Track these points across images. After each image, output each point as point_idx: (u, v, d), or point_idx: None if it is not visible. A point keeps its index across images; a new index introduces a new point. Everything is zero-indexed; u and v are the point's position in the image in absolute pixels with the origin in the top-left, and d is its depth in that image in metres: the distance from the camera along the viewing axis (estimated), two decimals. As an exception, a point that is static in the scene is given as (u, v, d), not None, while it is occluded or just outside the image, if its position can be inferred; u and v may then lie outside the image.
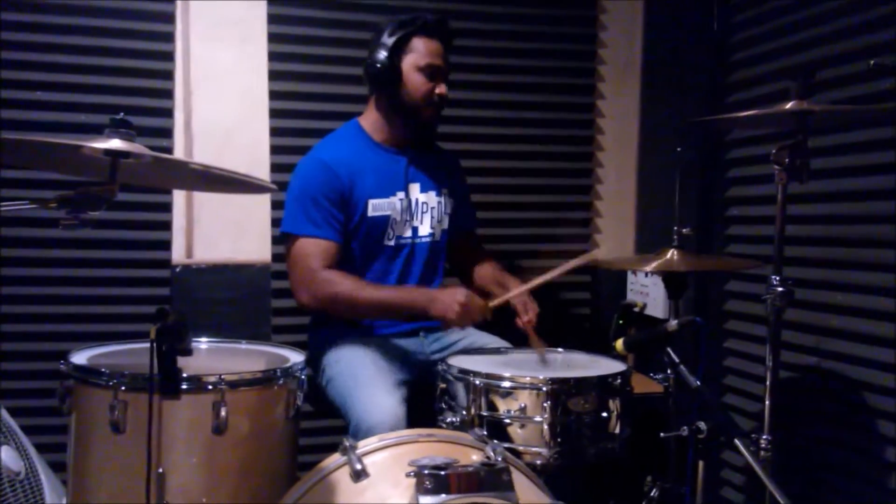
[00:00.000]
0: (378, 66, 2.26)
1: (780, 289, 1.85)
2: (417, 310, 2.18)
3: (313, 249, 2.21)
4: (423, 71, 2.27)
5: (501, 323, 2.28)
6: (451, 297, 2.13)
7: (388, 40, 2.26)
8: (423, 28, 2.28)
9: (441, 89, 2.29)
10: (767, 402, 1.90)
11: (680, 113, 2.95)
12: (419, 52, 2.27)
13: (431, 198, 2.39)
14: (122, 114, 1.43)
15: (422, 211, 2.37)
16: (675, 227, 2.16)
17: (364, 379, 2.11)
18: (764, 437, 1.86)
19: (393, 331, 2.35)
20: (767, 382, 1.90)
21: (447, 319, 2.13)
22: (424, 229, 2.38)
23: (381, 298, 2.21)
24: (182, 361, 1.43)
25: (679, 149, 2.22)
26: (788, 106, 1.81)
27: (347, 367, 2.18)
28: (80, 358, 1.86)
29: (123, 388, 1.70)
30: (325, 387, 2.22)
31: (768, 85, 2.60)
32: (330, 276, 2.20)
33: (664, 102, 3.05)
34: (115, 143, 1.39)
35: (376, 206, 2.29)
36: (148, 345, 1.39)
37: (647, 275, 2.85)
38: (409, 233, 2.35)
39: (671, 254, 2.14)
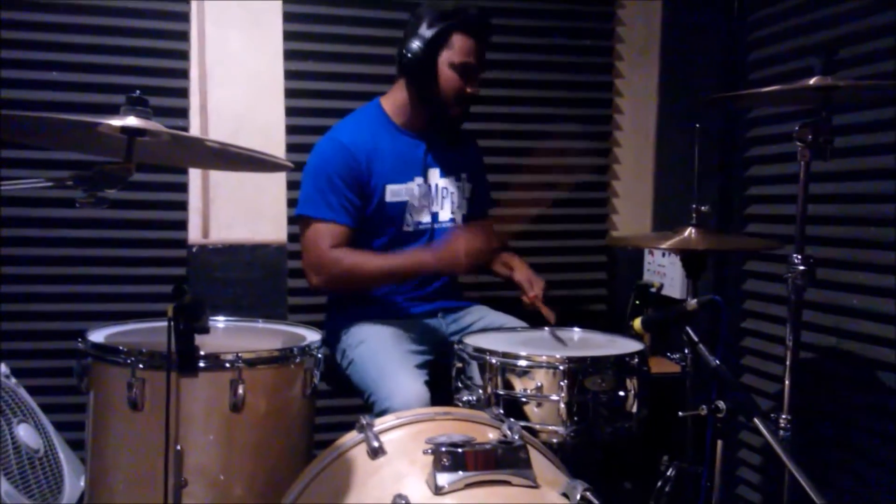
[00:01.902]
0: (412, 56, 2.22)
1: (801, 267, 1.83)
2: (426, 270, 2.19)
3: (325, 232, 2.20)
4: (458, 68, 2.23)
5: (517, 302, 2.29)
6: (453, 249, 2.13)
7: (427, 32, 2.21)
8: (463, 24, 2.23)
9: (472, 89, 2.26)
10: (787, 382, 1.88)
11: (698, 92, 2.92)
12: (456, 48, 2.22)
13: (451, 183, 2.38)
14: (138, 91, 1.42)
15: (442, 196, 2.36)
16: (694, 206, 2.13)
17: (387, 363, 2.11)
18: (783, 416, 1.85)
19: (411, 312, 2.35)
20: (787, 362, 1.88)
21: (458, 271, 2.14)
22: (445, 214, 2.37)
23: (388, 265, 2.21)
24: (199, 339, 1.43)
25: (697, 125, 2.18)
26: (812, 81, 1.78)
27: (369, 351, 2.18)
28: (98, 336, 1.87)
29: (141, 365, 1.70)
30: (346, 369, 2.22)
31: (788, 63, 2.56)
32: (336, 254, 2.20)
33: (682, 81, 3.02)
34: (132, 121, 1.38)
35: (394, 192, 2.28)
36: (165, 323, 1.39)
37: (664, 255, 2.83)
38: (427, 218, 2.34)
39: (689, 232, 2.12)
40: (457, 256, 2.12)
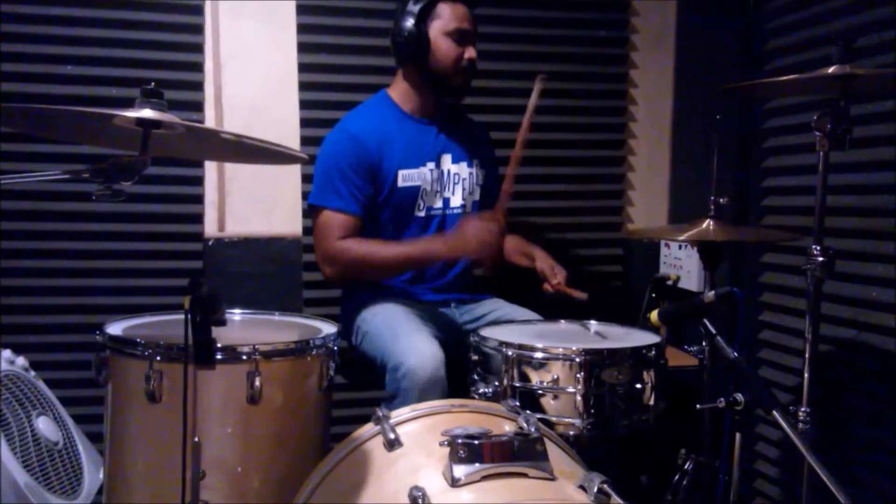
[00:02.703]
0: (405, 34, 2.23)
1: (820, 259, 1.81)
2: (436, 258, 2.20)
3: (335, 222, 2.21)
4: (452, 36, 2.25)
5: (532, 294, 2.28)
6: (464, 237, 2.13)
7: (414, 7, 2.24)
8: None
9: (470, 53, 2.27)
10: (806, 375, 1.86)
11: (714, 82, 2.89)
12: (446, 16, 2.25)
13: (463, 168, 2.37)
14: (153, 84, 1.43)
15: (453, 182, 2.36)
16: (712, 197, 2.11)
17: (401, 326, 2.12)
18: (802, 409, 1.83)
19: (424, 301, 2.34)
20: (806, 355, 1.86)
21: (469, 257, 2.14)
22: (456, 200, 2.37)
23: (399, 253, 2.21)
24: (216, 332, 1.43)
25: (718, 116, 2.17)
26: (831, 70, 1.76)
27: (383, 319, 2.19)
28: (116, 329, 1.87)
29: (159, 358, 1.71)
30: (360, 344, 2.22)
31: (805, 52, 2.54)
32: (346, 244, 2.20)
33: (698, 71, 2.99)
34: (147, 113, 1.38)
35: (406, 177, 2.28)
36: (182, 316, 1.39)
37: (680, 247, 2.81)
38: (439, 203, 2.34)
39: (707, 224, 2.10)
40: (467, 244, 2.12)
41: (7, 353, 2.31)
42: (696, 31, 3.00)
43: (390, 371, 2.00)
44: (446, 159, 2.36)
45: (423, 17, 2.24)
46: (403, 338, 2.05)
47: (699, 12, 2.98)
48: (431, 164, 2.33)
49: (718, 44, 2.92)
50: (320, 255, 2.26)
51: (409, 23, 2.23)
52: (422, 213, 2.32)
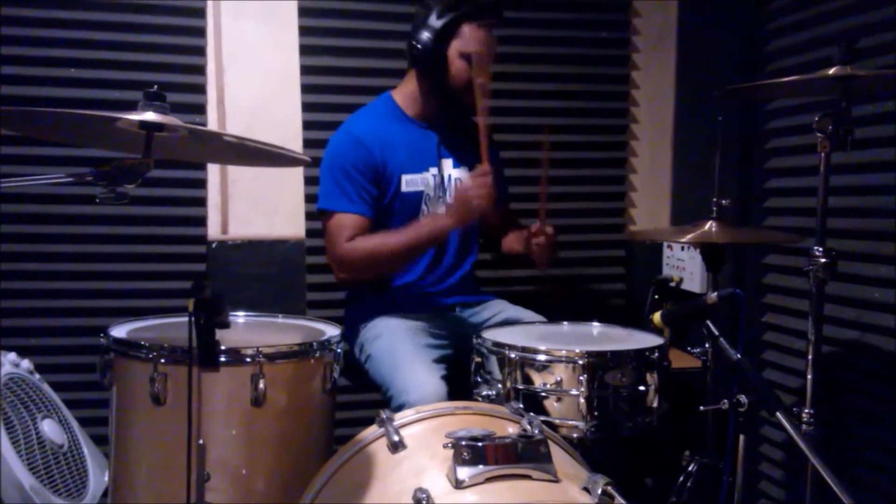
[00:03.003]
0: (422, 47, 2.21)
1: (823, 260, 1.81)
2: (445, 230, 2.19)
3: (347, 224, 2.21)
4: (468, 58, 2.22)
5: (535, 296, 2.28)
6: (465, 202, 2.13)
7: (436, 23, 2.20)
8: (473, 14, 2.22)
9: (484, 77, 2.25)
10: (809, 377, 1.86)
11: (716, 83, 2.89)
12: (466, 38, 2.21)
13: (465, 173, 2.37)
14: (155, 87, 1.43)
15: (455, 187, 2.36)
16: (714, 199, 2.11)
17: (403, 357, 2.11)
18: (806, 410, 1.83)
19: (428, 307, 2.35)
20: (810, 356, 1.86)
21: (474, 213, 2.13)
22: (458, 205, 2.36)
23: (408, 237, 2.19)
24: (220, 335, 1.43)
25: (719, 118, 2.17)
26: (832, 71, 1.76)
27: (385, 345, 2.18)
28: (120, 332, 1.88)
29: (163, 360, 1.71)
30: (364, 364, 2.23)
31: (807, 53, 2.54)
32: (353, 243, 2.20)
33: (700, 73, 3.00)
34: (150, 116, 1.39)
35: (409, 182, 2.28)
36: (186, 318, 1.40)
37: (683, 248, 2.82)
38: (443, 209, 2.34)
39: (710, 225, 2.10)
40: (468, 205, 2.11)
41: (12, 355, 2.32)
42: (697, 33, 3.00)
43: (393, 407, 2.00)
44: (447, 164, 2.36)
45: (444, 34, 2.20)
46: (405, 372, 2.05)
47: (700, 13, 2.98)
48: (434, 170, 2.33)
49: (720, 45, 2.92)
50: (332, 259, 2.25)
51: (428, 36, 2.20)
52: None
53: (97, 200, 1.43)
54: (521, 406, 1.72)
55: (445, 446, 1.45)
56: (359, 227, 2.21)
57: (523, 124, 2.93)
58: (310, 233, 2.77)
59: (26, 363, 2.35)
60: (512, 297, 2.49)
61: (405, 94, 2.35)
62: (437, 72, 2.24)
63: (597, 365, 1.83)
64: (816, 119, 1.78)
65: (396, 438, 1.54)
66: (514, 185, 2.63)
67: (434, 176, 2.32)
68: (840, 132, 1.78)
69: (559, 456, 1.54)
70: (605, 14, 2.99)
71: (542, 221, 2.26)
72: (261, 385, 1.72)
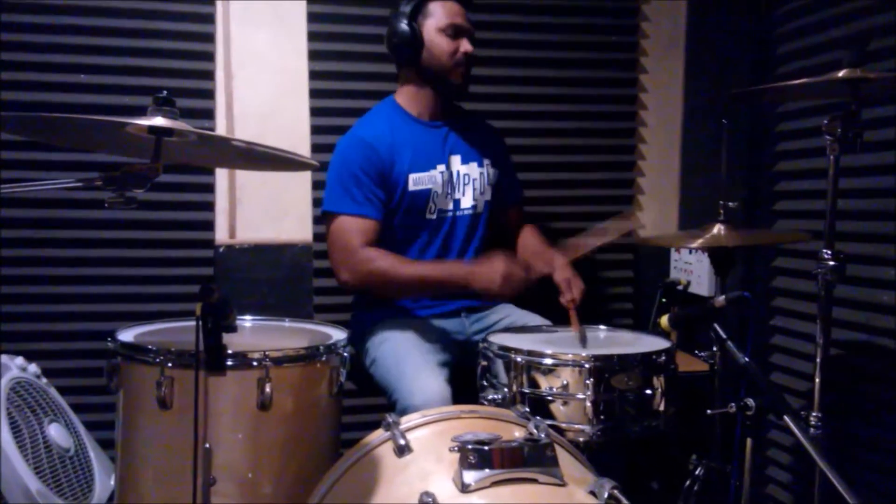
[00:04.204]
0: (399, 35, 2.26)
1: (831, 263, 1.80)
2: (457, 284, 2.16)
3: (353, 227, 2.21)
4: (445, 32, 2.26)
5: (542, 300, 2.27)
6: (490, 269, 2.10)
7: (406, 8, 2.26)
8: None
9: (465, 47, 2.28)
10: (818, 380, 1.86)
11: (725, 87, 2.89)
12: (438, 14, 2.27)
13: (473, 169, 2.38)
14: (164, 92, 1.44)
15: (463, 183, 2.36)
16: (722, 202, 2.11)
17: (408, 361, 2.11)
18: (814, 414, 1.83)
19: (435, 311, 2.35)
20: (818, 359, 1.86)
21: (490, 292, 2.11)
22: (466, 201, 2.37)
23: (420, 274, 2.20)
24: (227, 339, 1.44)
25: (725, 121, 2.16)
26: (841, 73, 1.75)
27: (391, 349, 2.18)
28: (128, 336, 1.89)
29: (170, 364, 1.72)
30: (369, 368, 2.23)
31: (816, 56, 2.53)
32: (369, 253, 2.19)
33: (709, 76, 2.99)
34: (159, 121, 1.39)
35: (417, 181, 2.29)
36: (193, 322, 1.40)
37: (691, 252, 2.81)
38: (450, 205, 2.34)
39: (718, 228, 2.09)
40: (493, 278, 2.09)
41: (19, 360, 2.33)
42: (706, 36, 3.00)
43: (398, 412, 1.99)
44: (455, 160, 2.36)
45: (416, 17, 2.26)
46: (409, 376, 2.05)
47: (709, 17, 2.98)
48: (441, 167, 2.33)
49: (729, 48, 2.92)
50: (337, 260, 2.24)
51: (403, 23, 2.25)
52: (433, 216, 2.32)
53: (106, 205, 1.43)
54: (528, 410, 1.72)
55: (451, 450, 1.44)
56: (366, 230, 2.21)
57: (532, 128, 2.93)
58: (317, 237, 2.77)
59: (33, 367, 2.36)
60: (518, 302, 2.48)
61: (405, 95, 2.36)
62: (418, 56, 2.27)
63: (603, 369, 1.83)
64: (826, 122, 1.78)
65: (402, 442, 1.54)
66: (525, 188, 2.63)
67: (441, 173, 2.33)
68: (849, 135, 1.78)
69: (565, 460, 1.54)
70: (615, 18, 2.99)
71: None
72: (267, 389, 1.72)
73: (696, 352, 2.30)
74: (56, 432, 2.28)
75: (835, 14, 2.45)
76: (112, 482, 2.31)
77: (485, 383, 1.98)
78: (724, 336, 1.72)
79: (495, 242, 2.54)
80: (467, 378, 2.06)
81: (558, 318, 2.29)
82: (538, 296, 2.24)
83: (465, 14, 2.30)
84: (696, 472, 2.15)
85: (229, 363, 1.65)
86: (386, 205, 2.26)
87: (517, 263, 2.14)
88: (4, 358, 2.28)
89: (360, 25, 2.77)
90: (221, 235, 2.76)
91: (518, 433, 1.56)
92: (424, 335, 2.22)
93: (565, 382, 1.84)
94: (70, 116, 1.42)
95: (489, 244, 2.52)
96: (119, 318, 2.43)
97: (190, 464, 1.45)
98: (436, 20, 2.26)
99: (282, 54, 2.77)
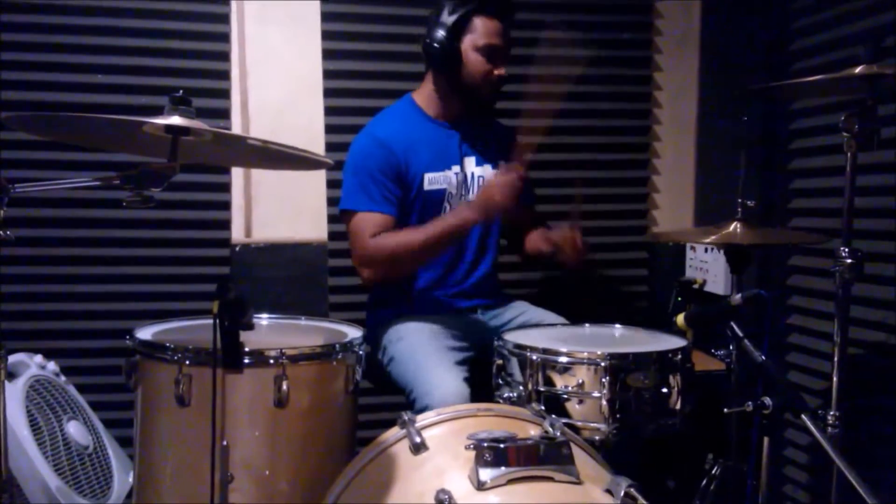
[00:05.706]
0: (436, 45, 2.24)
1: (849, 261, 1.79)
2: (463, 221, 2.17)
3: (370, 224, 2.21)
4: (482, 51, 2.24)
5: (558, 297, 2.27)
6: (484, 190, 2.15)
7: (448, 19, 2.23)
8: (483, 6, 2.24)
9: (500, 70, 2.26)
10: (835, 379, 1.84)
11: (739, 84, 2.87)
12: (478, 32, 2.24)
13: (487, 171, 2.38)
14: (181, 91, 1.45)
15: (477, 185, 2.36)
16: (739, 199, 2.10)
17: (426, 358, 2.11)
18: (831, 413, 1.82)
19: (451, 308, 2.35)
20: (835, 358, 1.85)
21: (494, 208, 2.13)
22: (480, 203, 2.36)
23: (432, 232, 2.19)
24: (244, 336, 1.45)
25: (745, 118, 2.15)
26: (858, 70, 1.74)
27: (408, 348, 2.19)
28: (146, 334, 1.90)
29: (188, 362, 1.72)
30: (386, 366, 2.23)
31: (831, 53, 2.51)
32: (378, 240, 2.20)
33: (723, 73, 2.97)
34: (176, 120, 1.41)
35: (432, 180, 2.29)
36: (210, 320, 1.41)
37: (706, 250, 2.80)
38: (466, 204, 2.34)
39: (734, 226, 2.09)
40: (492, 199, 2.11)
41: (38, 358, 2.35)
42: (720, 33, 2.98)
43: (416, 410, 2.00)
44: (470, 162, 2.37)
45: (456, 30, 2.23)
46: (427, 374, 2.05)
47: (724, 13, 2.96)
48: (456, 168, 2.33)
49: (743, 45, 2.90)
50: (358, 258, 2.25)
51: (441, 34, 2.23)
52: (449, 218, 2.32)
53: (124, 204, 1.45)
54: (543, 408, 1.72)
55: (467, 448, 1.44)
56: (382, 225, 2.21)
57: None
58: (332, 236, 2.78)
59: (52, 365, 2.38)
60: (534, 299, 2.48)
61: (425, 94, 2.36)
62: (453, 68, 2.26)
63: (619, 367, 1.83)
64: (842, 119, 1.77)
65: (418, 440, 1.55)
66: (536, 187, 2.62)
67: (456, 174, 2.33)
68: (866, 132, 1.76)
69: (581, 458, 1.54)
70: (628, 15, 2.98)
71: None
72: (284, 386, 1.72)
73: (713, 350, 2.30)
74: (75, 430, 2.30)
75: (850, 10, 2.43)
76: (130, 479, 2.33)
77: (500, 381, 1.98)
78: (741, 334, 1.71)
79: (509, 244, 2.56)
80: (483, 376, 2.06)
81: (574, 315, 2.29)
82: (554, 293, 2.24)
83: (504, 33, 2.27)
84: (713, 471, 2.15)
85: (246, 361, 1.68)
86: (402, 202, 2.26)
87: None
88: (24, 356, 2.30)
89: (374, 24, 2.78)
90: (237, 234, 2.78)
91: (534, 431, 1.56)
92: (440, 333, 2.23)
93: (581, 381, 1.83)
94: (88, 116, 1.43)
95: (507, 248, 2.53)
96: (137, 316, 2.44)
97: (207, 461, 1.46)
98: (475, 37, 2.24)
99: (296, 54, 2.78)
